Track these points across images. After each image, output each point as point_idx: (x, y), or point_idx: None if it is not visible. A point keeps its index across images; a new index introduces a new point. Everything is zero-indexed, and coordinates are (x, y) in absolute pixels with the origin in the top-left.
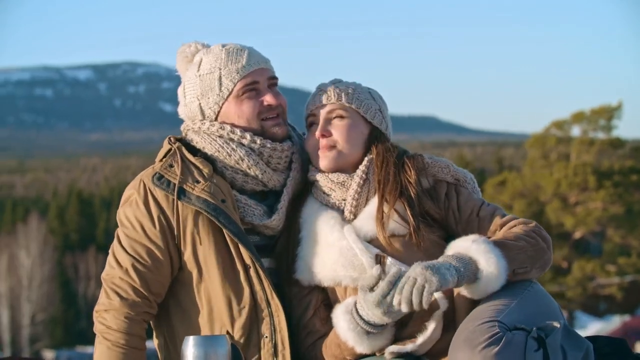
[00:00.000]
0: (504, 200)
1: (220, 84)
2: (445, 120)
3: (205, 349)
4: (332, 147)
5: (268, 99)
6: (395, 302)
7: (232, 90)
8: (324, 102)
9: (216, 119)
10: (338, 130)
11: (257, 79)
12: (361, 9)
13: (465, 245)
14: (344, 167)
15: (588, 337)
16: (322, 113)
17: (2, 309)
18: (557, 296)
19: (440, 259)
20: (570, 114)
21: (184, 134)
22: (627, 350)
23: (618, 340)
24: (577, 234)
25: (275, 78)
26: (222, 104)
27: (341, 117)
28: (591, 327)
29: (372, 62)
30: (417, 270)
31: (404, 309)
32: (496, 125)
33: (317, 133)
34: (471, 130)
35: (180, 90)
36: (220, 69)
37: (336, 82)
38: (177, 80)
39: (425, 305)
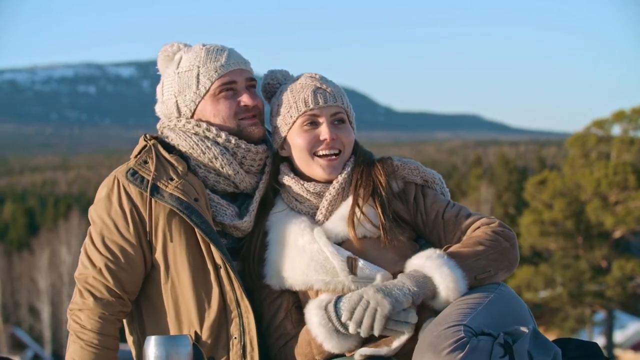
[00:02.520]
0: (544, 199)
1: (198, 82)
2: (488, 118)
3: (167, 349)
4: (338, 154)
5: (245, 99)
6: (351, 330)
7: (209, 88)
8: (329, 102)
9: (192, 117)
10: (344, 135)
11: (235, 79)
12: (406, 9)
13: (420, 263)
14: None
15: (560, 339)
16: (327, 115)
17: (43, 305)
18: (597, 295)
19: (396, 280)
20: (610, 113)
21: (159, 132)
22: (599, 353)
23: (590, 343)
24: (617, 233)
25: (253, 80)
26: (199, 102)
27: (342, 120)
28: (631, 327)
29: (417, 60)
30: (369, 294)
31: (362, 334)
32: (539, 124)
33: (327, 136)
34: (514, 129)
35: (158, 88)
36: (198, 67)
37: (324, 79)
38: None
39: (377, 332)
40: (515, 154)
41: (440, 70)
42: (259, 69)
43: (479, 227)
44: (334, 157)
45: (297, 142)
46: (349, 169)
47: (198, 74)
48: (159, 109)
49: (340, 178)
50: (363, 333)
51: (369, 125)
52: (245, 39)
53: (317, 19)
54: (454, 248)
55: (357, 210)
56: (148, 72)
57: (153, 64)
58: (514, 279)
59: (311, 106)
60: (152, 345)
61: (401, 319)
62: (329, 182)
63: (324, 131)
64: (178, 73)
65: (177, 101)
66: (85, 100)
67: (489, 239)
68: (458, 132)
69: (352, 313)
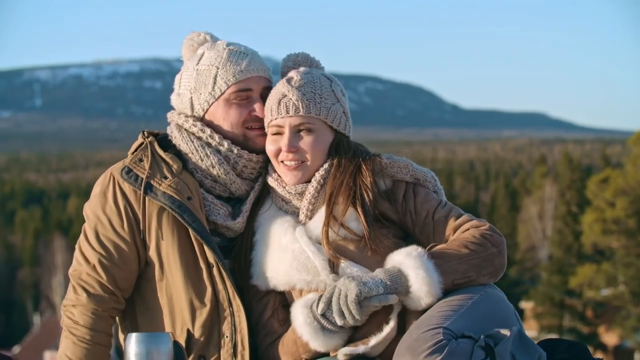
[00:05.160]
0: (606, 197)
1: (215, 83)
2: (554, 117)
3: (147, 346)
4: (300, 163)
5: (257, 109)
6: (338, 322)
7: (225, 91)
8: (291, 112)
9: (204, 116)
10: (307, 146)
11: (251, 87)
12: (475, 8)
13: (399, 259)
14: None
15: (549, 341)
16: (289, 125)
17: None
18: None
19: (372, 273)
20: None
21: (169, 121)
22: (587, 355)
23: (578, 344)
24: None
25: (270, 89)
26: (212, 102)
27: (309, 130)
28: None
29: (485, 58)
30: (340, 282)
31: (339, 322)
32: (605, 122)
33: (284, 148)
34: (579, 127)
35: (177, 78)
36: (218, 68)
37: (298, 84)
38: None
39: (357, 316)
40: (580, 152)
41: (508, 68)
42: (338, 67)
43: (468, 229)
44: (294, 165)
45: (267, 148)
46: (327, 165)
47: (216, 75)
48: (174, 100)
49: (317, 176)
50: (348, 322)
51: (435, 123)
52: (317, 33)
53: (387, 17)
54: (437, 248)
55: (332, 223)
56: None
57: None
58: (575, 277)
59: (275, 116)
60: (132, 343)
61: (375, 303)
62: (309, 182)
63: (283, 143)
64: (197, 70)
65: (191, 97)
66: (151, 95)
67: (475, 242)
68: (524, 130)
69: (328, 305)
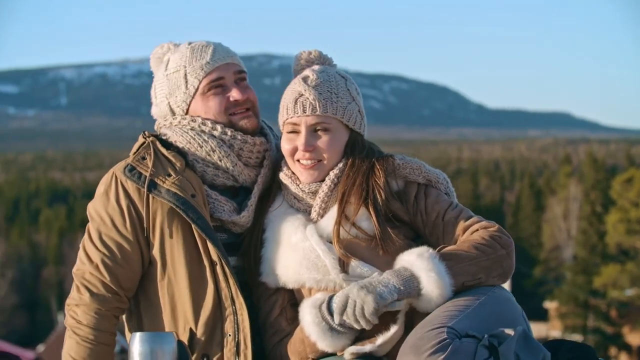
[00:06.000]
0: (630, 197)
1: (186, 82)
2: (579, 116)
3: (151, 346)
4: (317, 162)
5: (234, 94)
6: (356, 326)
7: (198, 87)
8: (307, 112)
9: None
10: (325, 145)
11: (222, 75)
12: (500, 8)
13: (410, 260)
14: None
15: (554, 341)
16: (305, 124)
17: None
18: None
19: (382, 276)
20: None
21: (157, 132)
22: (592, 356)
23: (584, 346)
24: None
25: (242, 72)
26: (190, 101)
27: (326, 130)
28: None
29: (510, 58)
30: (353, 292)
31: (357, 327)
32: (630, 122)
33: (301, 147)
34: (605, 127)
35: (152, 92)
36: (185, 67)
37: (315, 83)
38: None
39: (373, 322)
40: (604, 152)
41: (533, 68)
42: (363, 66)
43: (477, 230)
44: (310, 164)
45: (283, 146)
46: (341, 165)
47: (185, 74)
48: (154, 112)
49: (332, 175)
50: (357, 327)
51: (460, 122)
52: (343, 32)
53: (412, 17)
54: (448, 249)
55: (343, 221)
56: None
57: (246, 58)
58: (600, 277)
59: (291, 114)
60: (136, 342)
61: (388, 309)
62: (323, 181)
63: (300, 142)
64: (167, 75)
65: (169, 103)
66: None
67: (484, 244)
68: (549, 130)
69: (341, 315)
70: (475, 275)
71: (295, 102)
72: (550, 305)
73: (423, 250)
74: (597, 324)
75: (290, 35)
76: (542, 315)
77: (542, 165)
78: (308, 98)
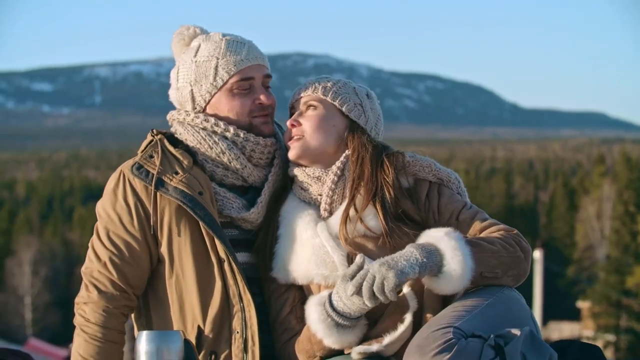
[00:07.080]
0: None
1: (216, 74)
2: (614, 116)
3: (158, 344)
4: (300, 137)
5: (262, 98)
6: (370, 303)
7: (227, 82)
8: (302, 94)
9: (205, 107)
10: (307, 120)
11: (253, 75)
12: (533, 8)
13: (437, 236)
14: (316, 159)
15: (562, 341)
16: (298, 104)
17: None
18: None
19: (405, 250)
20: None
21: (169, 123)
22: (599, 356)
23: (591, 346)
24: None
25: (269, 76)
26: (214, 93)
27: (314, 107)
28: None
29: (544, 58)
30: (374, 268)
31: (369, 304)
32: None
33: (288, 123)
34: (639, 127)
35: (173, 73)
36: (217, 58)
37: (321, 77)
38: (348, 72)
39: (392, 299)
40: (639, 152)
41: (567, 67)
42: (399, 65)
43: (497, 231)
44: (294, 139)
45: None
46: (343, 157)
47: (217, 66)
48: (172, 95)
49: (334, 168)
50: (370, 304)
51: (494, 121)
52: (379, 31)
53: (447, 17)
54: (472, 237)
55: (356, 209)
56: (276, 66)
57: (281, 57)
58: (632, 277)
59: (290, 101)
60: (143, 341)
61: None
62: (325, 166)
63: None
64: (196, 62)
65: (192, 90)
66: None
67: (506, 242)
68: (584, 130)
69: (358, 289)
70: (494, 269)
71: (296, 90)
72: (583, 304)
73: (450, 229)
74: (630, 324)
75: (325, 35)
76: (575, 315)
77: (575, 165)
78: (307, 84)
